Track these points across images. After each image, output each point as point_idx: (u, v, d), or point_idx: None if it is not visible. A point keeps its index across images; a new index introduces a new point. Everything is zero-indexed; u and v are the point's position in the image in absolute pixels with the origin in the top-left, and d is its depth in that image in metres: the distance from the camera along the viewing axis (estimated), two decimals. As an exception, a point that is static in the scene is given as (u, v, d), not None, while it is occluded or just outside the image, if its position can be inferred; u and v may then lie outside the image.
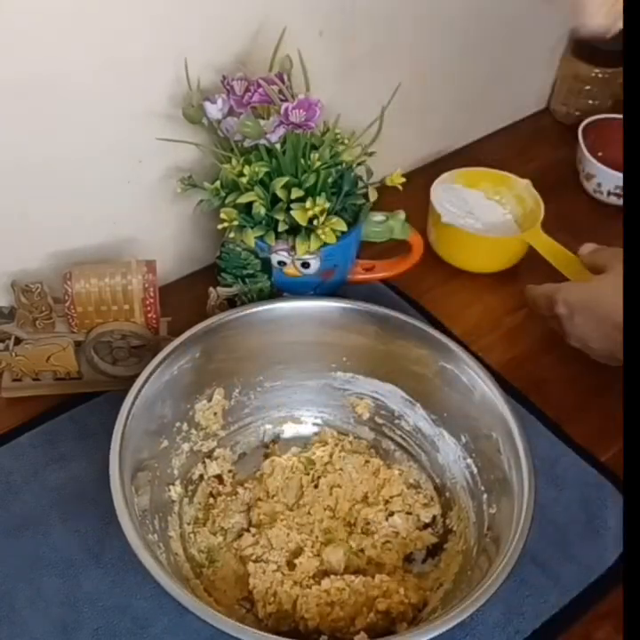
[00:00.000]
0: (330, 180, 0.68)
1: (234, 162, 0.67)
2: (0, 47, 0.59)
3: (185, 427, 0.65)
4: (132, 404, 0.58)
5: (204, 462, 0.66)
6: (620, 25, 0.61)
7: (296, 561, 0.60)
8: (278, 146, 0.66)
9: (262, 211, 0.67)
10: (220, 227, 0.69)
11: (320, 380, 0.69)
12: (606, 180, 0.91)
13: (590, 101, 1.01)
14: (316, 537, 0.62)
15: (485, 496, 0.61)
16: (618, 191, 0.91)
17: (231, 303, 0.71)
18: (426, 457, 0.67)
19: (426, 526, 0.64)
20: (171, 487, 0.63)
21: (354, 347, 0.67)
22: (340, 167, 0.69)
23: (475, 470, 0.63)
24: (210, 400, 0.66)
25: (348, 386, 0.69)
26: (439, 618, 0.50)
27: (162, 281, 0.71)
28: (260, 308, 0.66)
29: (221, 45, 0.70)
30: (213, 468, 0.66)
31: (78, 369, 0.70)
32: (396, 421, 0.68)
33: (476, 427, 0.62)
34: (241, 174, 0.66)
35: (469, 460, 0.63)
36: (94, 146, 0.68)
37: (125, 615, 0.58)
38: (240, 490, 0.65)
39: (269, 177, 0.68)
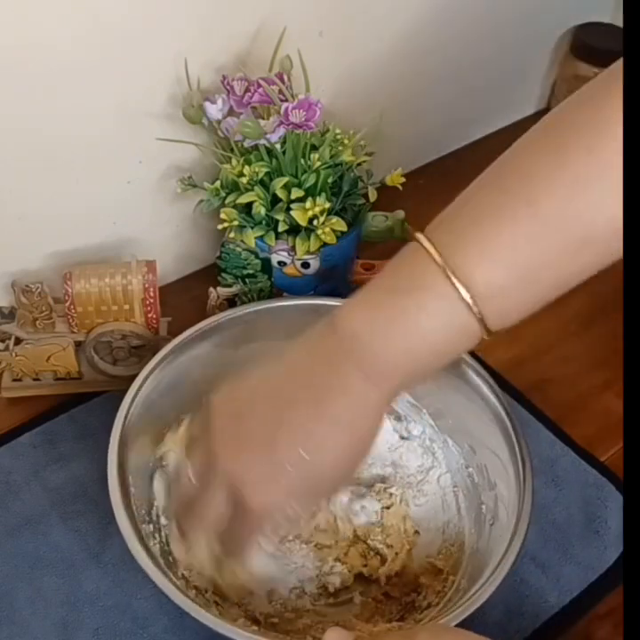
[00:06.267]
0: (330, 180, 0.68)
1: (234, 162, 0.67)
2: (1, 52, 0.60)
3: (185, 427, 0.65)
4: (132, 403, 0.58)
5: (203, 462, 0.66)
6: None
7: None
8: (278, 146, 0.66)
9: (262, 211, 0.67)
10: (220, 227, 0.69)
11: (320, 380, 0.69)
12: (606, 180, 0.90)
13: (590, 101, 1.01)
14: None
15: (485, 496, 0.61)
16: (618, 191, 0.90)
17: (231, 303, 0.71)
18: (426, 457, 0.67)
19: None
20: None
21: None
22: (340, 167, 0.69)
23: (474, 470, 0.63)
24: (210, 400, 0.66)
25: (348, 386, 0.69)
26: (439, 618, 0.50)
27: (162, 281, 0.71)
28: (260, 308, 0.66)
29: (221, 45, 0.70)
30: (213, 468, 0.66)
31: (78, 369, 0.70)
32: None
33: (476, 426, 0.62)
34: (241, 174, 0.66)
35: (469, 461, 0.63)
36: (94, 146, 0.68)
37: (125, 615, 0.58)
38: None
39: (269, 177, 0.68)
